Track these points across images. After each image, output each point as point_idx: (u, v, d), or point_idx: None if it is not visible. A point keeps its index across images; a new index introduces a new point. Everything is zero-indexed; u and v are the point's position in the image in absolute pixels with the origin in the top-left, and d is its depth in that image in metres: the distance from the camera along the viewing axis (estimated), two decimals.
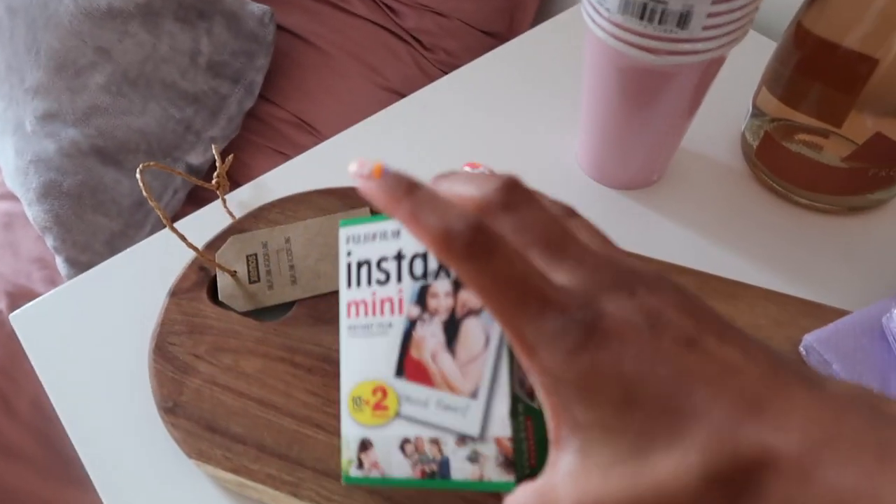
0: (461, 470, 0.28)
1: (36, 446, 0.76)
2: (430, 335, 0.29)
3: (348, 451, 0.30)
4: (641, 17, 0.36)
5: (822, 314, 0.41)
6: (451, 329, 0.29)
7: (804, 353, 0.38)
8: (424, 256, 0.30)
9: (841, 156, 0.43)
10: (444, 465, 0.28)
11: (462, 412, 0.28)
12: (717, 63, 0.40)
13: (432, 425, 0.28)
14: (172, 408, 0.38)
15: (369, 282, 0.31)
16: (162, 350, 0.40)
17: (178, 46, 0.77)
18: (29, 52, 0.75)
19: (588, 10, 0.40)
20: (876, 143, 0.41)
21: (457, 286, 0.29)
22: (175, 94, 0.78)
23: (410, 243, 0.30)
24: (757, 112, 0.48)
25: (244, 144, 0.83)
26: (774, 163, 0.47)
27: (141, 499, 0.37)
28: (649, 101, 0.42)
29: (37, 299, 0.45)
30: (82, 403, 0.41)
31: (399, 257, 0.30)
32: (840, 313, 0.41)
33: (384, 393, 0.29)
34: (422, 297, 0.30)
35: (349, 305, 0.31)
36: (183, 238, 0.41)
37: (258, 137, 0.83)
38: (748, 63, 0.58)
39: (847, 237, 0.46)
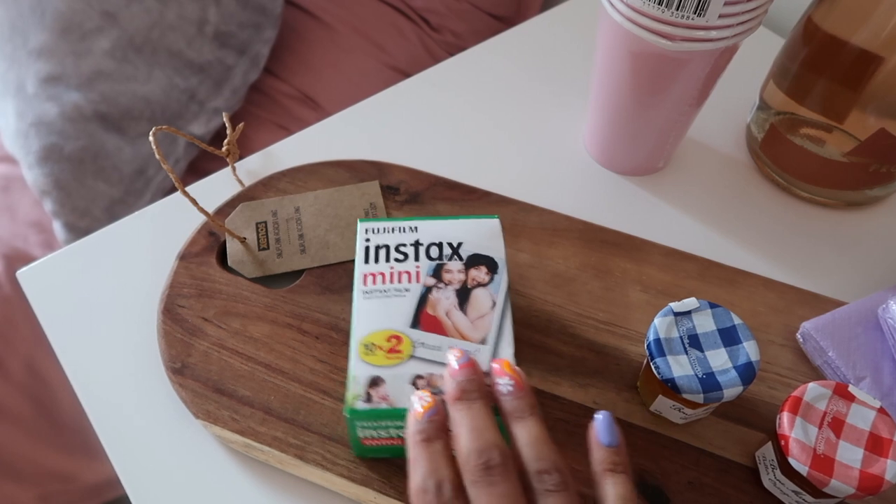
0: None
1: (27, 408, 0.76)
2: (445, 298, 0.35)
3: (356, 387, 0.32)
4: (660, 3, 0.37)
5: (819, 303, 0.42)
6: (463, 295, 0.35)
7: (801, 339, 0.39)
8: (440, 245, 0.36)
9: (843, 151, 0.44)
10: None
11: (473, 354, 0.33)
12: (730, 52, 0.41)
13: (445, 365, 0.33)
14: (181, 368, 0.39)
15: (387, 259, 0.36)
16: (171, 312, 0.41)
17: (186, 15, 0.77)
18: (34, 13, 0.74)
19: None
20: (879, 139, 0.42)
21: (468, 266, 0.36)
22: (180, 62, 0.78)
23: (427, 235, 0.37)
24: (763, 105, 0.48)
25: (247, 117, 0.83)
26: (778, 155, 0.48)
27: (148, 457, 0.38)
28: (661, 87, 0.43)
29: (45, 257, 0.45)
30: (90, 362, 0.41)
31: (417, 244, 0.36)
32: (836, 303, 0.42)
33: (399, 339, 0.33)
34: (437, 272, 0.36)
35: (365, 276, 0.35)
36: (194, 202, 0.41)
37: (261, 111, 0.83)
38: (756, 57, 0.58)
39: (845, 231, 0.48)
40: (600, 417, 0.28)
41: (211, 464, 0.37)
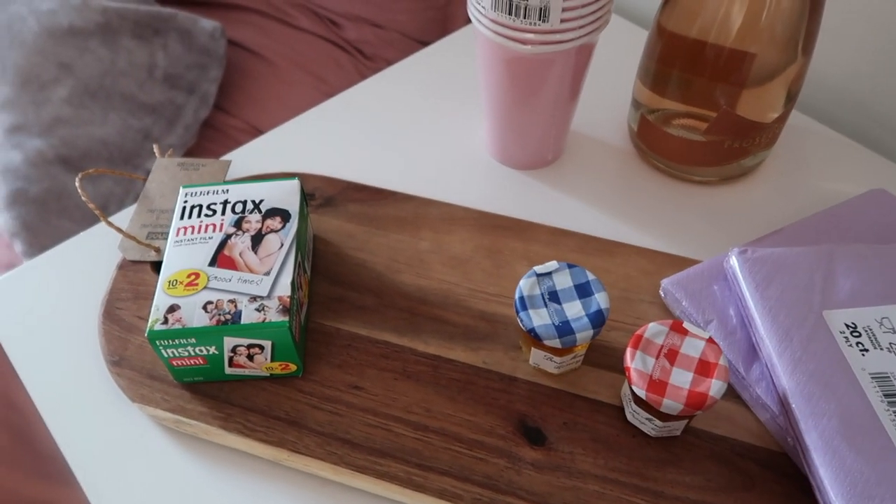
0: (250, 317, 0.39)
1: (5, 438, 0.81)
2: (241, 242, 0.42)
3: (156, 313, 0.39)
4: (510, 13, 0.43)
5: (683, 265, 0.47)
6: (257, 239, 0.42)
7: (663, 295, 0.45)
8: (245, 202, 0.44)
9: (701, 132, 0.50)
10: (238, 314, 0.39)
11: (257, 283, 0.40)
12: (587, 50, 0.47)
13: (233, 292, 0.40)
14: (118, 361, 0.44)
15: (199, 215, 0.43)
16: (110, 314, 0.46)
17: (136, 61, 0.83)
18: None
19: (472, 10, 0.47)
20: (723, 118, 0.48)
21: (265, 217, 0.43)
22: (134, 104, 0.84)
23: (235, 195, 0.44)
24: (634, 100, 0.54)
25: (201, 152, 0.89)
26: (652, 142, 0.54)
27: (92, 440, 0.42)
28: (534, 87, 0.49)
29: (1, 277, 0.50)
30: (39, 365, 0.46)
31: (226, 203, 0.44)
32: (696, 263, 0.47)
33: (197, 275, 0.40)
34: (238, 223, 0.43)
35: (178, 230, 0.43)
36: (110, 223, 0.47)
37: (214, 145, 0.89)
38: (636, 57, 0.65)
39: (718, 203, 0.53)
40: None
41: (146, 440, 0.42)
